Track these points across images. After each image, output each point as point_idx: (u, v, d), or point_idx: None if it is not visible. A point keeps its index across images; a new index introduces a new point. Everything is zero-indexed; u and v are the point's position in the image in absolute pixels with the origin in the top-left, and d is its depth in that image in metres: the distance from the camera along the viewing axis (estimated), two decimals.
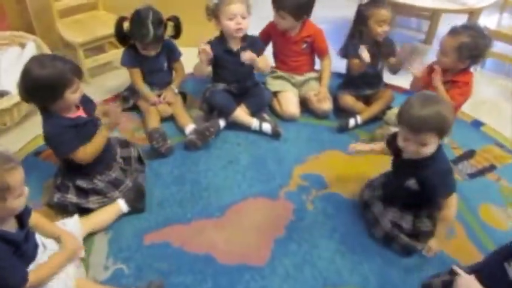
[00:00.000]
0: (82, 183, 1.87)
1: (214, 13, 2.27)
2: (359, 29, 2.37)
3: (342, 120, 2.46)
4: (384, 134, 2.29)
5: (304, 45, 2.53)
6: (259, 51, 2.35)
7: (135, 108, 2.51)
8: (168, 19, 2.32)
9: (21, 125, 2.44)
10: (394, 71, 2.48)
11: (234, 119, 2.38)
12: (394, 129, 2.30)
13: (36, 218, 1.60)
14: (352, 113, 2.49)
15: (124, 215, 1.90)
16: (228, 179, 2.13)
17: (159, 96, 2.44)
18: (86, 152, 1.79)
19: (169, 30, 2.35)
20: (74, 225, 1.76)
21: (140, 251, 1.79)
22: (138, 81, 2.41)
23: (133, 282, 1.67)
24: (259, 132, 2.39)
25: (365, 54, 2.28)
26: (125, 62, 2.39)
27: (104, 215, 1.86)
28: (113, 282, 1.66)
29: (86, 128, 1.81)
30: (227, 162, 2.23)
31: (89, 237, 1.81)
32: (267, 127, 2.37)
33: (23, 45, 2.71)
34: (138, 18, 2.23)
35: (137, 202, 1.92)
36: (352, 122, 2.45)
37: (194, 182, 2.11)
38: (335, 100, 2.59)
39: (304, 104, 2.59)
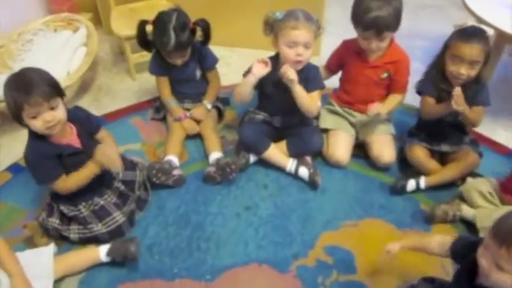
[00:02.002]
0: (64, 208, 1.66)
1: (273, 29, 1.83)
2: (438, 60, 1.80)
3: (400, 179, 1.91)
4: (449, 213, 1.73)
5: (385, 75, 1.98)
6: (310, 87, 1.88)
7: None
8: (195, 23, 1.96)
9: None
10: (471, 123, 1.83)
11: (265, 158, 1.98)
12: (468, 211, 1.73)
13: None
14: (420, 172, 1.93)
15: None
16: (236, 233, 1.77)
17: (188, 110, 2.13)
18: (66, 184, 1.58)
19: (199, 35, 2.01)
20: (46, 260, 1.56)
21: None
22: (165, 92, 2.11)
23: None
24: (295, 175, 1.98)
25: (458, 98, 1.66)
26: (152, 70, 2.10)
27: (79, 260, 1.62)
28: None
29: (73, 158, 1.58)
30: (243, 209, 1.86)
31: None
32: (304, 172, 1.94)
33: (76, 30, 2.58)
34: (159, 22, 1.91)
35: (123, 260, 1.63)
36: (412, 184, 1.88)
37: (197, 226, 1.79)
38: (402, 149, 2.04)
39: (362, 149, 2.08)
